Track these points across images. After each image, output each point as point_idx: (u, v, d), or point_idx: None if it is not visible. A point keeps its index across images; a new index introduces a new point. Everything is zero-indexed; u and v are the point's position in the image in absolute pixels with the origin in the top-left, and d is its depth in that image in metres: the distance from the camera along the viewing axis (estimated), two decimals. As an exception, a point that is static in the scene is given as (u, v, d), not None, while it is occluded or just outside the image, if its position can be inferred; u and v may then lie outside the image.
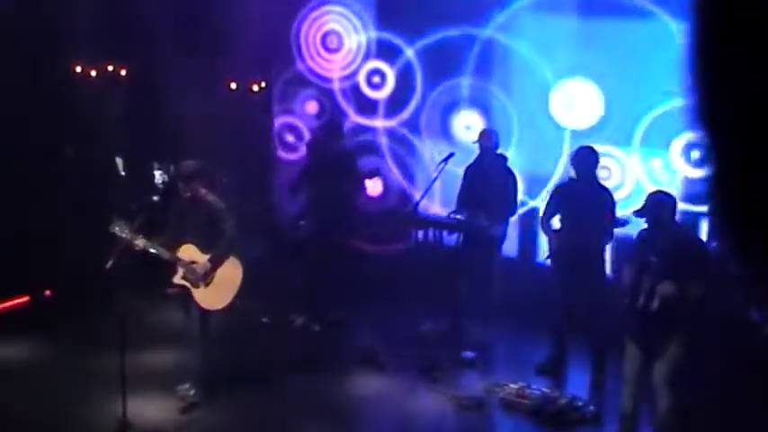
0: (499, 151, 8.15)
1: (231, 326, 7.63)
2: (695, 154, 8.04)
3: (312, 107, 10.42)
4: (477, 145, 8.12)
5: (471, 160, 8.23)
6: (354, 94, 10.13)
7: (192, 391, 6.85)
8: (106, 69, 10.15)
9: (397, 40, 9.76)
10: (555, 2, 8.88)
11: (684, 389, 5.87)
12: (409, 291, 8.39)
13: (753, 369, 6.00)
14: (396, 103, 9.89)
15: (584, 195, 7.35)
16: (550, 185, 8.52)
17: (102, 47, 9.49)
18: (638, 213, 5.92)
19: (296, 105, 10.49)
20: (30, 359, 7.70)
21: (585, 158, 7.43)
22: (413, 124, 9.83)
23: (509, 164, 8.20)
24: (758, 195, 1.08)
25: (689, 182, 8.15)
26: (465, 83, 9.39)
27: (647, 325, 5.72)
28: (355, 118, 10.09)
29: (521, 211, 8.60)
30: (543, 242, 8.11)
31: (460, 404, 7.03)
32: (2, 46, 8.53)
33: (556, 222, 7.68)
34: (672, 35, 7.80)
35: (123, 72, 10.21)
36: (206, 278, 6.75)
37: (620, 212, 7.42)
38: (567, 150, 8.62)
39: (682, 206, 6.76)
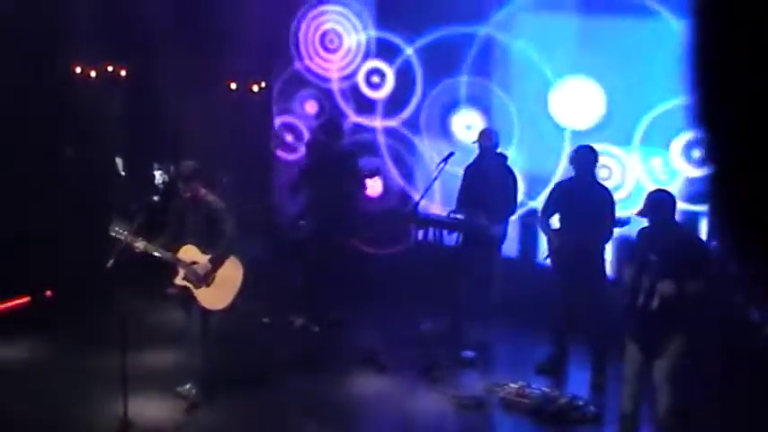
0: (499, 150, 8.14)
1: (231, 326, 7.62)
2: (695, 153, 8.04)
3: (311, 107, 10.42)
4: (476, 145, 8.11)
5: (471, 160, 8.23)
6: (354, 93, 10.13)
7: (194, 391, 6.85)
8: (106, 69, 10.15)
9: (397, 40, 9.76)
10: (555, 0, 8.88)
11: (684, 389, 5.87)
12: (409, 291, 8.40)
13: (753, 369, 6.00)
14: (395, 102, 9.89)
15: (583, 194, 7.35)
16: (551, 185, 8.52)
17: (102, 47, 9.49)
18: (639, 213, 5.93)
19: (295, 105, 10.49)
20: (30, 359, 7.70)
21: (584, 157, 7.43)
22: (413, 124, 9.83)
23: (509, 163, 8.19)
24: (758, 195, 1.08)
25: (689, 181, 8.15)
26: (465, 82, 9.38)
27: (647, 324, 5.72)
28: (354, 118, 10.09)
29: (521, 211, 8.59)
30: (543, 242, 8.10)
31: (460, 404, 7.03)
32: (2, 46, 8.53)
33: (555, 222, 7.68)
34: (672, 34, 7.79)
35: (123, 72, 10.21)
36: (207, 278, 6.75)
37: (621, 212, 7.42)
38: (567, 150, 8.61)
39: (682, 206, 6.76)
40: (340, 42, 10.14)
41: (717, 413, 6.32)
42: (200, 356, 6.86)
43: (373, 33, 9.98)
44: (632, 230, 6.51)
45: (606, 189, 7.54)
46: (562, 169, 8.66)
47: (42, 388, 7.08)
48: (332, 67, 10.21)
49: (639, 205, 6.02)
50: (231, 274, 6.82)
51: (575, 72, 8.72)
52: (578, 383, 7.48)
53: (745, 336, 6.09)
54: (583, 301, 7.42)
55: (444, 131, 9.60)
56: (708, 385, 6.41)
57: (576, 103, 8.75)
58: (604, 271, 7.53)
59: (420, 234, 8.78)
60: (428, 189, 8.29)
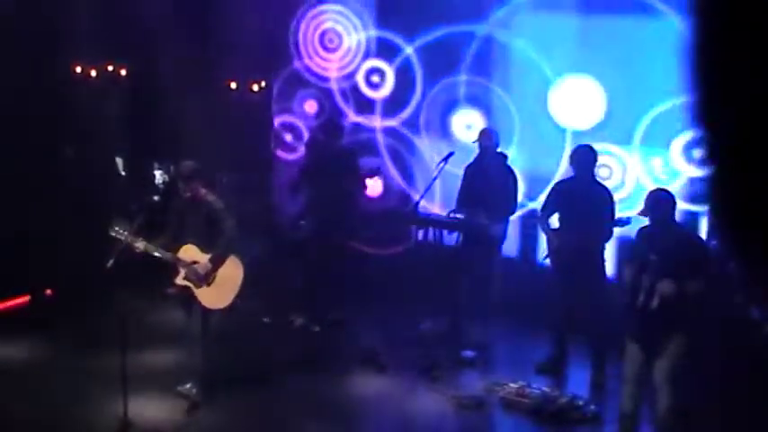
0: (499, 150, 8.14)
1: (231, 326, 7.62)
2: (696, 153, 8.04)
3: (311, 106, 10.42)
4: (476, 144, 8.11)
5: (471, 159, 8.22)
6: (353, 93, 10.12)
7: (194, 391, 6.85)
8: (106, 69, 10.16)
9: (397, 39, 9.76)
10: (555, -1, 8.89)
11: (684, 388, 5.86)
12: (409, 291, 8.39)
13: (753, 368, 6.00)
14: (395, 102, 9.88)
15: (582, 194, 7.34)
16: (551, 185, 8.52)
17: (102, 47, 9.50)
18: (640, 213, 5.93)
19: (295, 105, 10.49)
20: (30, 359, 7.70)
21: (584, 157, 7.43)
22: (412, 123, 9.82)
23: (509, 162, 8.19)
24: (758, 195, 1.07)
25: (689, 181, 8.15)
26: (464, 81, 9.38)
27: (647, 323, 5.72)
28: (354, 117, 10.08)
29: (521, 211, 8.59)
30: (543, 242, 8.10)
31: (460, 404, 7.03)
32: (2, 46, 8.53)
33: (555, 221, 7.68)
34: (672, 33, 7.78)
35: (123, 72, 10.22)
36: (207, 278, 6.75)
37: (621, 212, 7.42)
38: (567, 149, 8.61)
39: (682, 206, 6.76)
40: (340, 42, 10.14)
41: (717, 413, 6.32)
42: (201, 356, 6.86)
43: (373, 33, 9.97)
44: (632, 230, 6.51)
45: (606, 189, 7.54)
46: (562, 169, 8.66)
47: (42, 388, 7.07)
48: (331, 67, 10.20)
49: (640, 205, 6.02)
50: (231, 274, 6.83)
51: (575, 71, 8.72)
52: (578, 383, 7.47)
53: (745, 335, 6.09)
54: (583, 301, 7.42)
55: (444, 131, 9.59)
56: (708, 385, 6.40)
57: (576, 102, 8.75)
58: (604, 271, 7.52)
59: (420, 234, 8.77)
60: (428, 189, 8.28)
